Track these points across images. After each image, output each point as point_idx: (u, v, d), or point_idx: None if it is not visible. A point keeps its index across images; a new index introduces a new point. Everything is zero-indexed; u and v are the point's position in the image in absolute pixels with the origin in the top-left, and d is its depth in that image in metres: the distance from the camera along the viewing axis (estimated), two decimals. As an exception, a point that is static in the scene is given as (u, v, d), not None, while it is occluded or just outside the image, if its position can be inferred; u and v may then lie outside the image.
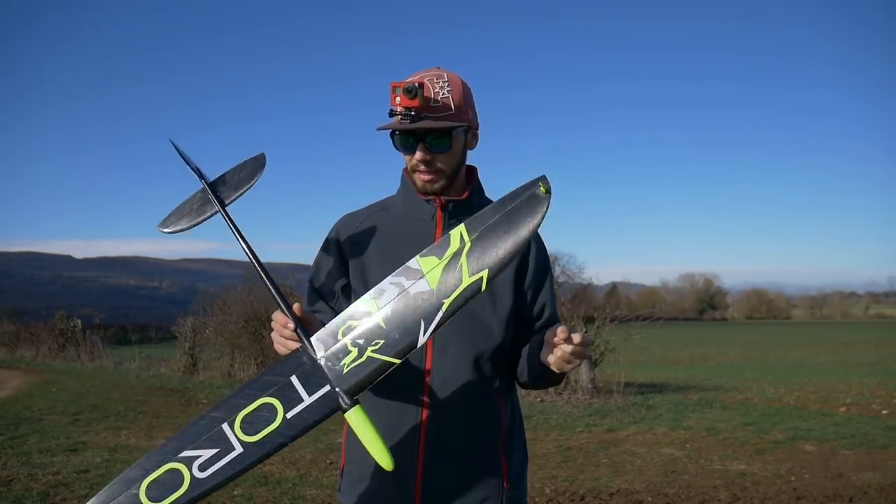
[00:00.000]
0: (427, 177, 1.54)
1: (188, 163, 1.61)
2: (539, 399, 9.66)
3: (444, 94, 1.53)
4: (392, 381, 1.38)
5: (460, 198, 1.61)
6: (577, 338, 1.33)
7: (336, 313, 1.54)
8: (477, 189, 1.66)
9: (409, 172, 1.61)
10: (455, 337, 1.53)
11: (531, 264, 1.64)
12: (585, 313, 10.64)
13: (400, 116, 1.47)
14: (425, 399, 1.50)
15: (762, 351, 26.22)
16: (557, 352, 1.36)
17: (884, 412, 8.79)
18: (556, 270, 11.42)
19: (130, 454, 6.03)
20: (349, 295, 1.63)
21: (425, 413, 1.49)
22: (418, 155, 1.52)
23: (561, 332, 1.34)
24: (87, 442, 6.53)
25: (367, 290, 1.48)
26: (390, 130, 1.55)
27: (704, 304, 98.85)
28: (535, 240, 1.65)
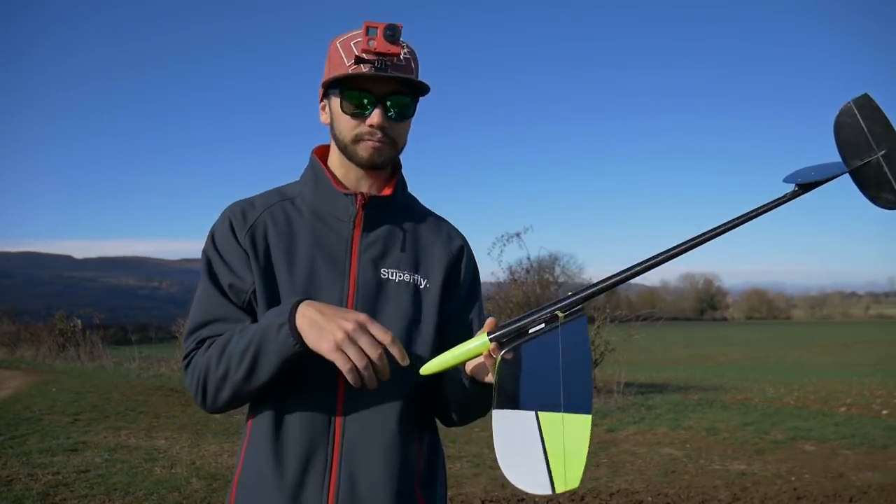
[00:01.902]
0: (379, 144, 1.29)
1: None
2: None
3: (405, 53, 1.29)
4: (298, 420, 1.22)
5: (384, 194, 1.36)
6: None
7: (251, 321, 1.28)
8: (401, 184, 1.42)
9: (344, 145, 1.32)
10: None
11: (462, 273, 1.41)
12: (585, 313, 10.65)
13: (372, 64, 1.24)
14: (336, 440, 1.24)
15: (762, 351, 26.22)
16: (488, 362, 1.12)
17: (884, 412, 8.79)
18: (557, 271, 11.43)
19: (130, 454, 6.04)
20: (254, 305, 1.31)
21: (336, 457, 1.23)
22: (376, 118, 1.27)
23: (490, 324, 1.13)
24: (87, 442, 6.53)
25: (273, 306, 1.25)
26: (332, 85, 1.29)
27: (704, 304, 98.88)
28: (465, 244, 1.45)
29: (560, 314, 1.08)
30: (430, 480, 1.34)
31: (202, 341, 1.28)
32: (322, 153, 1.42)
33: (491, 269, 11.12)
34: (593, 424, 0.98)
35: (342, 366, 1.10)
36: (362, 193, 1.32)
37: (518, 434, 0.98)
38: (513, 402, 1.04)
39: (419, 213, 1.44)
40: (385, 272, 1.32)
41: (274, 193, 1.40)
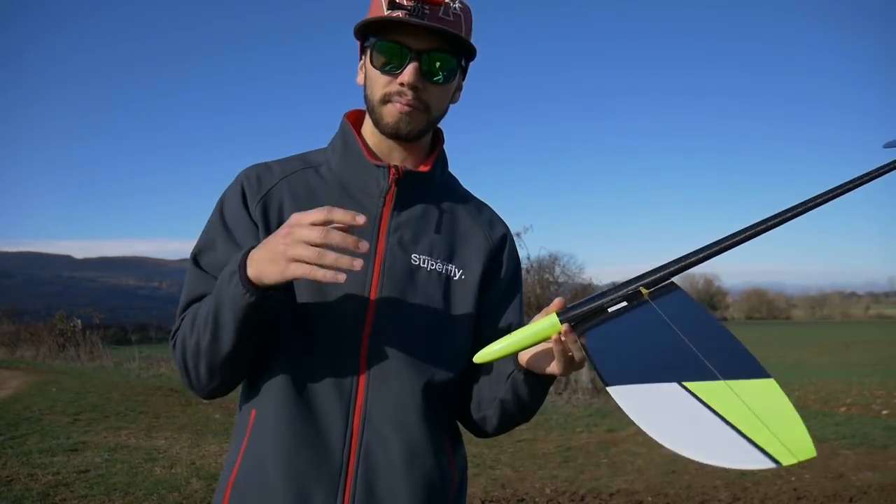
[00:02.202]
0: (408, 108, 1.11)
1: None
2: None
3: (455, 7, 1.12)
4: (307, 418, 1.07)
5: (421, 170, 1.20)
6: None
7: None
8: (442, 161, 1.25)
9: (372, 107, 1.16)
10: (398, 361, 1.10)
11: (504, 266, 1.25)
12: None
13: (408, 10, 1.07)
14: (353, 448, 1.07)
15: (762, 351, 26.20)
16: (556, 348, 0.99)
17: (884, 412, 8.79)
18: (557, 270, 11.43)
19: (130, 454, 6.03)
20: None
21: (351, 468, 1.06)
22: (409, 75, 1.09)
23: (558, 304, 0.99)
24: (87, 442, 6.53)
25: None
26: (367, 37, 1.13)
27: (704, 304, 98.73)
28: (508, 233, 1.29)
29: (644, 290, 0.95)
30: (460, 499, 1.21)
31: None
32: (356, 119, 1.25)
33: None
34: (780, 391, 0.84)
35: (302, 272, 0.92)
36: (396, 167, 1.16)
37: (672, 409, 0.79)
38: (635, 376, 0.85)
39: (459, 195, 1.27)
40: (416, 258, 1.16)
41: (296, 160, 1.23)
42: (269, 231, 1.14)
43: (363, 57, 1.17)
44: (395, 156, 1.20)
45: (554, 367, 1.03)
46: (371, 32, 1.12)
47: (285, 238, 0.93)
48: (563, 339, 0.98)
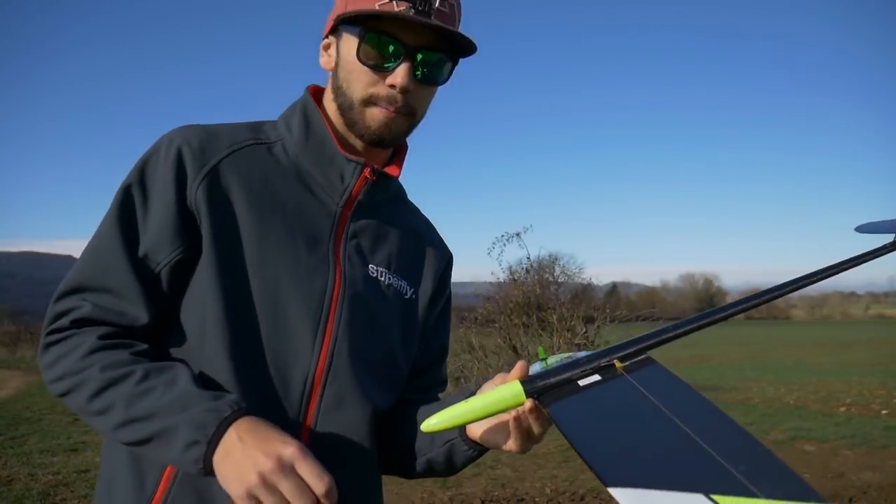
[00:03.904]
0: (394, 115, 0.98)
1: None
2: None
3: (452, 1, 0.99)
4: None
5: (391, 172, 1.07)
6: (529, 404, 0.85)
7: (153, 316, 0.94)
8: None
9: (349, 104, 0.99)
10: (356, 384, 0.98)
11: (446, 289, 1.17)
12: (585, 313, 10.64)
13: (412, 4, 0.92)
14: None
15: (762, 351, 26.21)
16: (514, 424, 0.88)
17: (884, 412, 8.79)
18: (557, 270, 11.43)
19: (130, 454, 6.05)
20: (183, 281, 0.95)
21: None
22: (402, 76, 0.94)
23: (519, 369, 0.85)
24: (87, 442, 6.53)
25: (230, 297, 0.93)
26: (349, 21, 0.96)
27: (704, 304, 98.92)
28: (452, 258, 1.20)
29: (618, 363, 0.84)
30: None
31: (79, 322, 0.93)
32: (315, 96, 1.08)
33: (491, 269, 11.13)
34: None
35: None
36: (373, 166, 1.02)
37: None
38: (645, 480, 0.65)
39: (410, 207, 1.18)
40: (374, 270, 1.04)
41: (244, 129, 1.03)
42: (213, 220, 0.94)
43: (334, 39, 1.02)
44: (357, 151, 1.05)
45: (511, 445, 0.91)
46: (357, 18, 0.96)
47: (265, 473, 0.78)
48: (521, 416, 0.87)
